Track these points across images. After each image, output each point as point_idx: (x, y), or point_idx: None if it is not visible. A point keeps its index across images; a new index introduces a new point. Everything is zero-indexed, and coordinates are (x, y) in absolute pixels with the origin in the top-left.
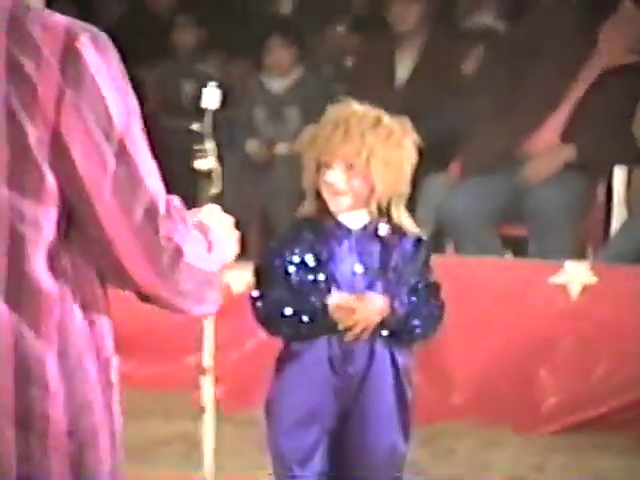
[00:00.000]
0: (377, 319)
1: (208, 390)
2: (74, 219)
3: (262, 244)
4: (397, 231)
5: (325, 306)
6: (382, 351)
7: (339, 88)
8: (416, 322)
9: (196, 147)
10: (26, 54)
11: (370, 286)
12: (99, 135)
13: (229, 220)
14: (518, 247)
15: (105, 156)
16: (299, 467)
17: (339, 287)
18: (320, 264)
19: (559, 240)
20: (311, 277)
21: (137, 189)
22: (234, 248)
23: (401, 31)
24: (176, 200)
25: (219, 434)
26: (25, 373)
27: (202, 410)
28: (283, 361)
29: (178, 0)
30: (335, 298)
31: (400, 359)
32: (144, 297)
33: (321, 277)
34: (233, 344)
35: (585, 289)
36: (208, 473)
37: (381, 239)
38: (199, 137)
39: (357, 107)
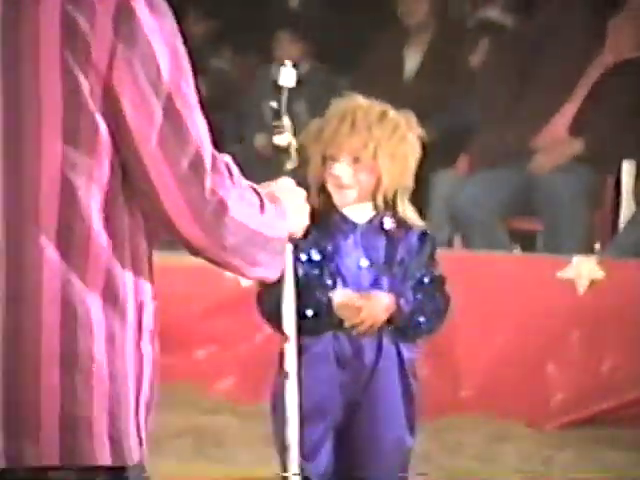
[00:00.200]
0: (383, 317)
1: (291, 356)
2: (126, 172)
3: None
4: (402, 225)
5: (330, 301)
6: (389, 345)
7: (347, 83)
8: (422, 319)
9: (274, 123)
10: (81, 12)
11: (376, 280)
12: (148, 89)
13: (301, 193)
14: (526, 241)
15: (153, 108)
16: (306, 461)
17: (344, 281)
18: (325, 258)
19: (567, 233)
20: (316, 271)
21: (183, 142)
22: (302, 221)
23: (409, 25)
24: (227, 157)
25: (229, 427)
26: (71, 316)
27: (286, 376)
28: None
29: None
30: (340, 295)
31: (406, 353)
32: (194, 251)
33: (326, 271)
34: (243, 338)
35: (593, 284)
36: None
37: (387, 233)
38: (276, 114)
39: (362, 101)
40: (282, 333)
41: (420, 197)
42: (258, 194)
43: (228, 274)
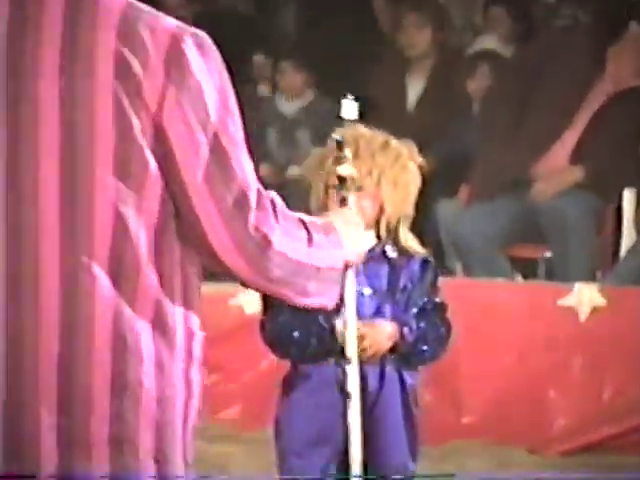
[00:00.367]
0: (387, 345)
1: (354, 378)
2: (175, 207)
3: None
4: (404, 252)
5: (333, 328)
6: (391, 373)
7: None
8: (425, 347)
9: (336, 155)
10: (134, 53)
11: (378, 308)
12: (196, 127)
13: (359, 223)
14: (528, 269)
15: (200, 145)
16: None
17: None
18: None
19: (574, 259)
20: None
21: (228, 179)
22: (359, 249)
23: (411, 56)
24: (272, 194)
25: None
26: (121, 342)
27: (348, 396)
28: (290, 382)
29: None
30: (343, 323)
31: (408, 380)
32: (243, 282)
33: None
34: (248, 364)
35: (594, 311)
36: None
37: (389, 260)
38: (339, 145)
39: (364, 129)
40: (284, 358)
41: (423, 226)
42: (305, 226)
43: (232, 302)
